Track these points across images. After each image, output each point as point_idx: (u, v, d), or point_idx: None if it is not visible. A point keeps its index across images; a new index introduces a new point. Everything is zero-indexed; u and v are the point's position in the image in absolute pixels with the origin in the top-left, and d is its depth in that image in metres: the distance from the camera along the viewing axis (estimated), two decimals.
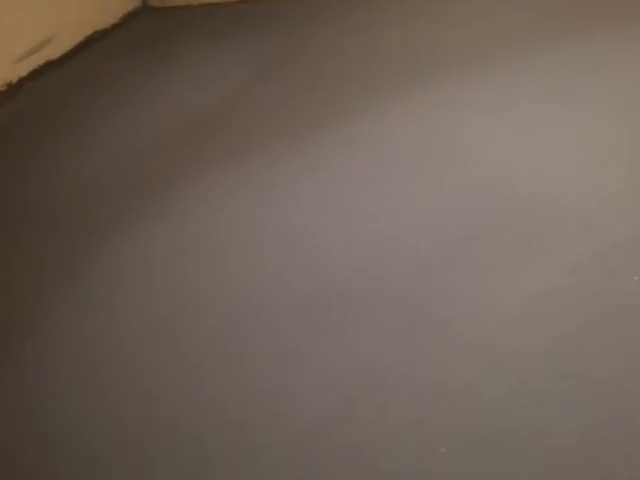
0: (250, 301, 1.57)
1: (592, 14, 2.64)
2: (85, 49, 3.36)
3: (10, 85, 2.94)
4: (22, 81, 2.99)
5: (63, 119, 2.69)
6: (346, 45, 2.88)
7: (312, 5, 3.44)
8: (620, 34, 2.44)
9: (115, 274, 1.76)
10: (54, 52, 3.18)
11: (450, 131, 2.09)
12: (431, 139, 2.07)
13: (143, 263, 1.79)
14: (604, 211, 1.62)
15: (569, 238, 1.56)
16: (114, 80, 2.98)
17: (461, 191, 1.80)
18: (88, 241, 1.91)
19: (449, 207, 1.74)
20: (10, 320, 1.67)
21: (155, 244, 1.85)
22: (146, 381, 1.41)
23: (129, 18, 3.72)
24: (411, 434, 1.19)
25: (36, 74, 3.06)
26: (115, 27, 3.61)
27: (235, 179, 2.07)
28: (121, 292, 1.69)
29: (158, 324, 1.56)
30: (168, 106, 2.65)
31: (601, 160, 1.82)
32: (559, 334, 1.33)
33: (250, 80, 2.72)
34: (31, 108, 2.85)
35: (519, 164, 1.86)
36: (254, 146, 2.22)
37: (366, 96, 2.40)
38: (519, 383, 1.24)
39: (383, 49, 2.77)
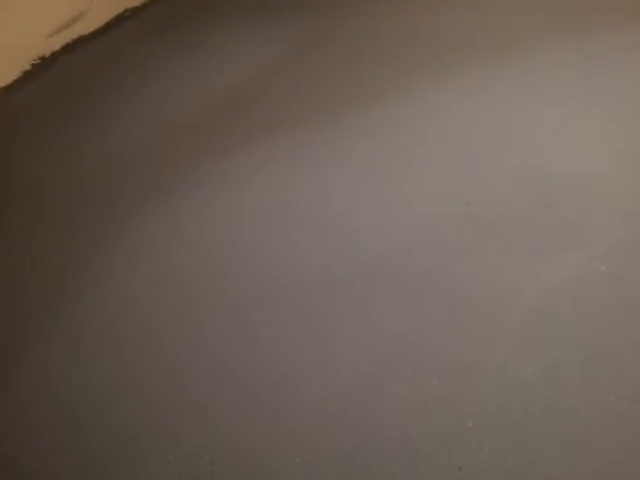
0: (278, 276, 1.59)
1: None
2: (116, 26, 3.37)
3: (43, 59, 2.96)
4: (55, 55, 3.02)
5: (94, 93, 2.71)
6: (380, 28, 2.87)
7: None
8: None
9: (140, 246, 1.79)
10: (86, 28, 3.20)
11: (482, 117, 2.09)
12: (464, 124, 2.07)
13: (169, 236, 1.81)
14: (637, 200, 1.62)
15: (601, 226, 1.56)
16: (144, 57, 3.00)
17: (494, 176, 1.80)
18: (115, 212, 1.93)
19: (482, 190, 1.75)
20: (39, 291, 1.69)
21: (182, 218, 1.88)
22: (168, 353, 1.43)
23: None
24: (440, 409, 1.21)
25: (68, 49, 3.09)
26: (146, 5, 3.61)
27: (265, 156, 2.08)
28: (145, 264, 1.71)
29: (182, 298, 1.58)
30: (198, 83, 2.66)
31: (633, 150, 1.81)
32: (589, 319, 1.34)
33: (281, 60, 2.73)
34: (63, 82, 2.87)
35: (552, 152, 1.86)
36: (285, 125, 2.23)
37: (399, 79, 2.40)
38: (548, 365, 1.26)
39: (417, 34, 2.76)
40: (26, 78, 2.86)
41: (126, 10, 3.49)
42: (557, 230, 1.57)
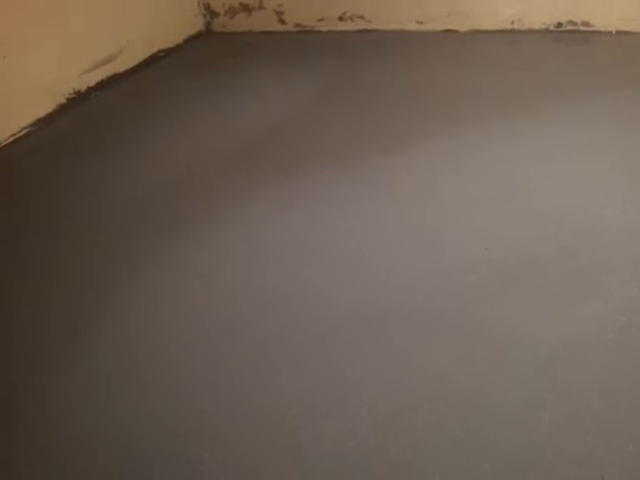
0: (300, 313, 1.61)
1: None
2: (149, 66, 3.50)
3: (78, 93, 3.07)
4: (89, 90, 3.13)
5: (124, 128, 2.80)
6: (400, 79, 2.97)
7: (366, 38, 3.56)
8: None
9: (161, 280, 1.81)
10: (121, 66, 3.33)
11: (501, 165, 2.14)
12: (483, 172, 2.12)
13: (190, 272, 1.83)
14: None
15: (622, 276, 1.58)
16: (176, 96, 3.10)
17: (513, 222, 1.84)
18: (136, 246, 1.96)
19: (501, 236, 1.78)
20: (58, 321, 1.71)
21: (205, 253, 1.90)
22: (190, 388, 1.44)
23: (192, 40, 3.88)
24: (457, 449, 1.21)
25: (103, 85, 3.20)
26: (179, 47, 3.76)
27: (288, 197, 2.13)
28: (166, 299, 1.73)
29: (203, 332, 1.59)
30: (225, 125, 2.74)
31: None
32: (609, 369, 1.35)
33: (305, 106, 2.81)
34: (96, 116, 2.97)
35: (572, 201, 1.90)
36: (310, 166, 2.29)
37: (418, 127, 2.47)
38: (567, 412, 1.26)
39: (436, 85, 2.85)
40: (61, 111, 2.97)
41: (160, 50, 3.63)
42: (577, 278, 1.59)
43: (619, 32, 3.17)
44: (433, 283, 1.65)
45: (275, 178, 2.24)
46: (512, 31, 3.38)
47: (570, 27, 3.29)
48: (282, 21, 3.87)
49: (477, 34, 3.40)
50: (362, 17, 3.69)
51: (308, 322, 1.58)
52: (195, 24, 3.95)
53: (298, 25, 3.84)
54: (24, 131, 2.81)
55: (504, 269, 1.65)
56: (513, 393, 1.31)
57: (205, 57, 3.66)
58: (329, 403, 1.34)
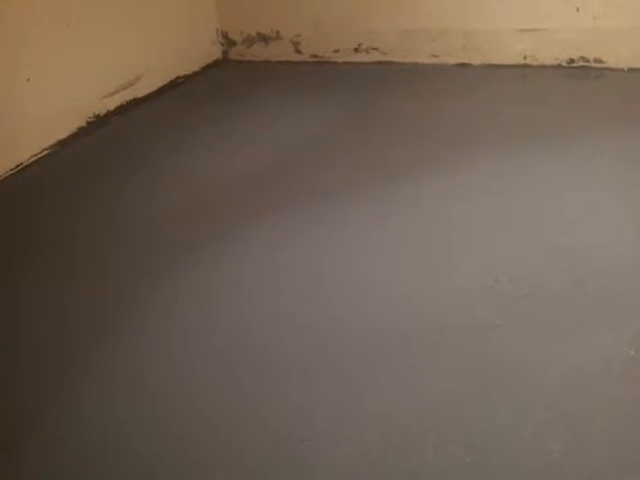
0: (312, 336, 1.64)
1: None
2: (167, 92, 3.58)
3: (98, 117, 3.15)
4: (109, 115, 3.20)
5: (142, 152, 2.86)
6: (412, 110, 3.02)
7: (381, 70, 3.62)
8: None
9: (173, 302, 1.84)
10: (140, 91, 3.40)
11: (511, 197, 2.17)
12: (494, 203, 2.14)
13: (202, 294, 1.86)
14: None
15: (631, 310, 1.59)
16: (192, 121, 3.17)
17: (523, 254, 1.86)
18: (148, 268, 2.00)
19: (510, 267, 1.80)
20: (68, 344, 1.74)
21: (216, 277, 1.94)
22: (201, 407, 1.46)
23: (210, 68, 3.96)
24: (469, 476, 1.22)
25: (122, 109, 3.27)
26: (196, 74, 3.84)
27: (299, 223, 2.17)
28: (178, 320, 1.77)
29: (215, 355, 1.61)
30: (237, 152, 2.79)
31: None
32: (617, 400, 1.35)
33: (320, 133, 2.86)
34: (114, 140, 3.04)
35: (581, 234, 1.92)
36: (323, 193, 2.33)
37: (430, 157, 2.51)
38: (575, 442, 1.27)
39: (447, 116, 2.89)
40: (80, 134, 3.04)
41: (178, 77, 3.72)
42: (586, 310, 1.60)
43: (631, 69, 3.21)
44: (443, 312, 1.66)
45: (288, 204, 2.28)
46: (525, 66, 3.43)
47: (582, 63, 3.33)
48: (298, 51, 3.95)
49: (490, 68, 3.46)
50: (377, 49, 3.76)
51: (319, 345, 1.60)
52: (213, 52, 4.03)
53: (314, 55, 3.91)
54: (45, 152, 2.87)
55: (514, 300, 1.67)
56: (522, 423, 1.32)
57: (222, 85, 3.74)
58: (338, 426, 1.36)
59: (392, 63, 3.70)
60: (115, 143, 3.00)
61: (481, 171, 2.36)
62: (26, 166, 2.78)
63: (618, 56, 3.24)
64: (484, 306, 1.66)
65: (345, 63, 3.80)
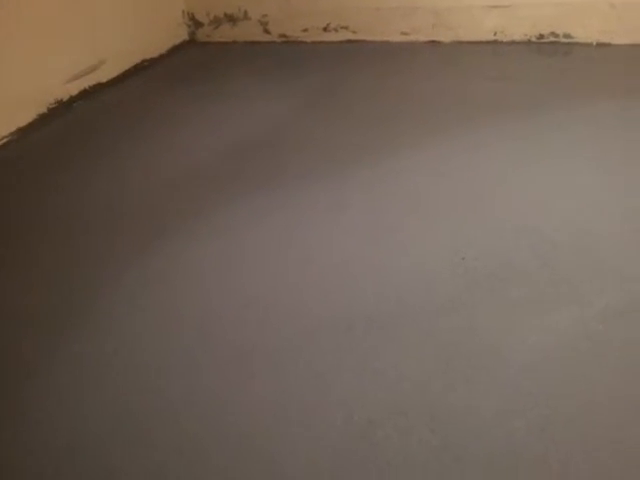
0: (275, 321, 1.61)
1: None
2: (133, 75, 3.50)
3: (60, 103, 3.06)
4: (72, 100, 3.12)
5: (104, 138, 2.79)
6: (382, 88, 2.98)
7: (351, 49, 3.58)
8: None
9: (139, 290, 1.80)
10: (104, 75, 3.32)
11: (480, 174, 2.14)
12: (462, 181, 2.12)
13: (169, 282, 1.82)
14: (633, 261, 1.64)
15: (601, 286, 1.58)
16: (157, 106, 3.10)
17: (493, 231, 1.84)
18: (114, 258, 1.95)
19: (479, 246, 1.78)
20: (30, 340, 1.70)
21: (182, 264, 1.89)
22: (164, 397, 1.43)
23: (177, 50, 3.88)
24: (432, 460, 1.20)
25: (85, 95, 3.19)
26: (163, 57, 3.76)
27: (266, 205, 2.13)
28: (144, 308, 1.72)
29: (180, 342, 1.58)
30: (207, 133, 2.74)
31: (631, 212, 1.85)
32: (583, 377, 1.34)
33: (290, 114, 2.82)
34: (77, 126, 2.96)
35: (550, 211, 1.90)
36: (285, 178, 2.29)
37: (397, 135, 2.48)
38: (540, 420, 1.26)
39: (418, 93, 2.86)
40: (42, 121, 2.95)
41: (144, 60, 3.63)
42: (553, 288, 1.59)
43: (599, 44, 3.20)
44: (408, 292, 1.64)
45: (257, 187, 2.24)
46: (495, 42, 3.40)
47: (552, 39, 3.31)
48: (267, 31, 3.88)
49: (461, 45, 3.43)
50: (347, 28, 3.70)
51: (282, 330, 1.57)
52: (179, 34, 3.95)
53: (282, 35, 3.85)
54: (4, 140, 2.79)
55: (481, 278, 1.65)
56: (488, 403, 1.31)
57: (189, 67, 3.67)
58: (304, 413, 1.33)
59: (362, 42, 3.66)
60: (78, 130, 2.92)
61: (450, 148, 2.33)
62: None
63: (587, 31, 3.23)
64: (450, 285, 1.64)
65: (314, 42, 3.75)
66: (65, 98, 3.08)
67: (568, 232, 1.80)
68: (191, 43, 4.00)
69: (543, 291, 1.59)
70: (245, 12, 3.88)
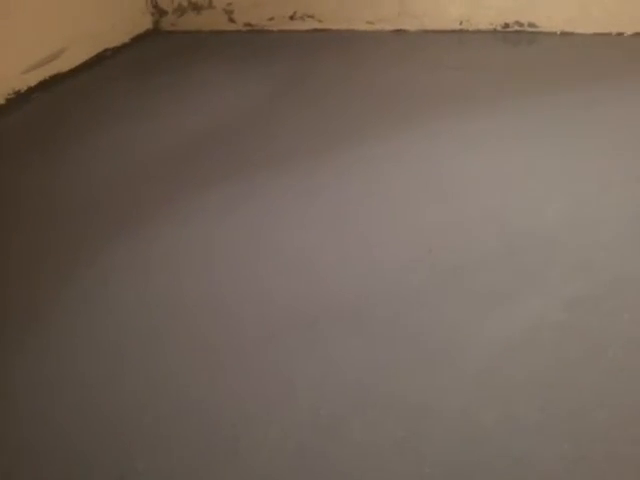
0: (242, 312, 1.59)
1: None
2: (95, 65, 3.42)
3: (18, 94, 2.97)
4: (30, 91, 3.03)
5: (66, 130, 2.72)
6: (349, 77, 2.97)
7: (317, 38, 3.55)
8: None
9: (109, 279, 1.77)
10: (64, 65, 3.23)
11: (445, 164, 2.15)
12: (428, 171, 2.12)
13: (138, 271, 1.80)
14: (597, 250, 1.66)
15: (563, 275, 1.59)
16: (121, 95, 3.03)
17: (456, 224, 1.84)
18: (83, 248, 1.91)
19: (445, 237, 1.78)
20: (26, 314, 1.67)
21: (152, 253, 1.87)
22: (132, 387, 1.40)
23: (140, 39, 3.80)
24: (397, 453, 1.20)
25: (45, 85, 3.10)
26: (126, 46, 3.68)
27: (236, 194, 2.10)
28: (114, 297, 1.70)
29: (149, 331, 1.56)
30: (174, 122, 2.69)
31: (598, 200, 1.87)
32: (547, 368, 1.35)
33: (255, 104, 2.78)
34: (36, 118, 2.88)
35: (515, 201, 1.91)
36: (252, 167, 2.26)
37: (367, 123, 2.47)
38: (506, 412, 1.26)
39: (386, 81, 2.86)
40: None
41: (106, 50, 3.55)
42: (517, 278, 1.60)
43: (563, 33, 3.22)
44: (375, 285, 1.63)
45: (222, 177, 2.21)
46: (461, 31, 3.41)
47: (517, 28, 3.33)
48: (232, 20, 3.82)
49: (427, 34, 3.42)
50: (313, 17, 3.67)
51: (249, 322, 1.55)
52: (143, 22, 3.87)
53: (248, 24, 3.80)
54: None
55: (446, 270, 1.65)
56: (453, 396, 1.31)
57: (153, 56, 3.59)
58: (268, 408, 1.32)
59: (328, 31, 3.63)
60: (37, 121, 2.84)
61: (415, 137, 2.33)
62: None
63: (551, 20, 3.25)
64: (416, 276, 1.64)
65: (280, 32, 3.70)
66: (23, 89, 2.99)
67: (533, 220, 1.81)
68: (155, 32, 3.92)
69: (509, 281, 1.59)
70: (210, 0, 3.82)
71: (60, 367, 1.48)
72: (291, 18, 3.70)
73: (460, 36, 3.35)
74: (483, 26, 3.39)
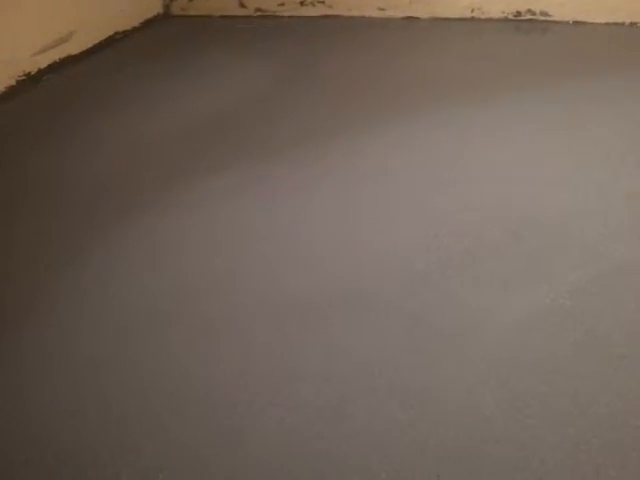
0: (246, 297, 1.60)
1: None
2: (105, 48, 3.42)
3: (29, 76, 2.98)
4: (41, 73, 3.04)
5: (75, 112, 2.73)
6: (358, 63, 2.96)
7: (327, 24, 3.53)
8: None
9: (113, 263, 1.78)
10: (74, 48, 3.24)
11: (452, 152, 2.14)
12: (434, 158, 2.12)
13: (142, 255, 1.80)
14: (602, 237, 1.66)
15: (569, 262, 1.59)
16: (129, 80, 3.03)
17: (463, 210, 1.84)
18: (87, 231, 1.92)
19: (451, 222, 1.78)
20: (27, 300, 1.68)
21: (157, 236, 1.88)
22: (134, 368, 1.41)
23: (150, 23, 3.79)
24: (400, 436, 1.20)
25: (55, 67, 3.11)
26: (136, 30, 3.67)
27: (238, 182, 2.10)
28: (118, 280, 1.71)
29: (152, 314, 1.57)
30: (179, 108, 2.69)
31: (606, 189, 1.86)
32: (551, 354, 1.35)
33: (264, 89, 2.78)
34: (46, 100, 2.89)
35: (521, 188, 1.91)
36: (259, 152, 2.27)
37: (368, 113, 2.47)
38: (510, 397, 1.27)
39: (391, 71, 2.84)
40: (9, 94, 2.87)
41: (117, 33, 3.55)
42: (523, 264, 1.60)
43: (576, 22, 3.20)
44: (382, 269, 1.64)
45: (228, 162, 2.21)
46: (472, 19, 3.39)
47: (529, 16, 3.30)
48: (243, 5, 3.81)
49: (437, 22, 3.40)
50: (323, 2, 3.65)
51: (255, 308, 1.56)
52: (153, 7, 3.86)
53: (259, 10, 3.78)
54: None
55: (453, 255, 1.65)
56: (457, 378, 1.31)
57: (163, 41, 3.59)
58: (273, 390, 1.33)
59: (338, 17, 3.61)
60: (47, 104, 2.85)
61: (424, 124, 2.33)
62: None
63: (564, 9, 3.22)
64: (423, 262, 1.64)
65: (291, 17, 3.69)
66: (34, 71, 3.00)
67: (540, 208, 1.81)
68: (165, 17, 3.91)
69: (515, 267, 1.59)
70: None
71: (65, 346, 1.50)
72: (302, 4, 3.69)
73: (471, 24, 3.33)
74: (495, 14, 3.37)
